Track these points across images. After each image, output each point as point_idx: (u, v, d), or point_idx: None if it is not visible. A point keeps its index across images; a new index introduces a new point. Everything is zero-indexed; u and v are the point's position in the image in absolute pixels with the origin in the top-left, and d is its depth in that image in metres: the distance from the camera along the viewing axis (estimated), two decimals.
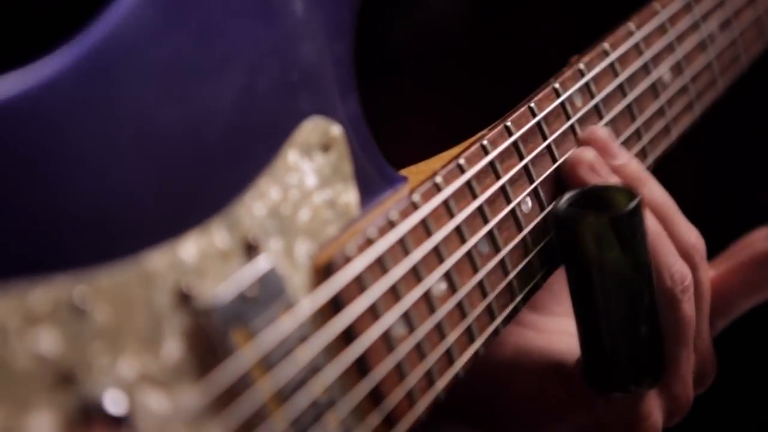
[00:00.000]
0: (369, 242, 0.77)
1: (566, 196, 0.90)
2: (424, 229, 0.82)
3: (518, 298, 0.90)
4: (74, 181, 0.61)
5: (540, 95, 0.96)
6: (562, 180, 0.94)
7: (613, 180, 0.92)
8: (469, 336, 0.84)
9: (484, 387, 0.96)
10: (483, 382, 0.96)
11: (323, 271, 0.74)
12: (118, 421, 0.59)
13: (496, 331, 0.87)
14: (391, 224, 0.79)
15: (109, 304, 0.61)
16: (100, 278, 0.61)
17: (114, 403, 0.59)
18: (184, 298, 0.65)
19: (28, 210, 0.59)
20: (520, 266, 0.91)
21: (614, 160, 0.93)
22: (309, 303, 0.73)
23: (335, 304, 0.74)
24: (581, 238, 0.84)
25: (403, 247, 0.79)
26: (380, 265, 0.77)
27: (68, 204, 0.61)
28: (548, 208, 0.91)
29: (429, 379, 0.80)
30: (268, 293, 0.69)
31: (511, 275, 0.89)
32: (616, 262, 0.85)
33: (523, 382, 0.95)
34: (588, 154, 0.93)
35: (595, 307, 0.88)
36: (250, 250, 0.70)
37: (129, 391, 0.61)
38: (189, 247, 0.66)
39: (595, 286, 0.85)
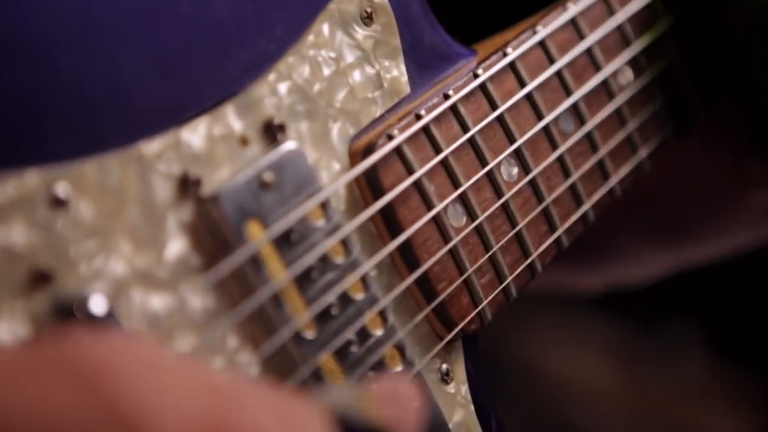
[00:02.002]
0: (418, 119, 0.69)
1: None
2: (488, 103, 0.72)
3: (613, 181, 0.80)
4: (55, 62, 0.56)
5: None
6: None
7: None
8: (548, 224, 0.75)
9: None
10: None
11: (363, 155, 0.66)
12: (100, 320, 0.54)
13: (584, 219, 0.77)
14: (446, 98, 0.70)
15: (97, 195, 0.56)
16: (86, 168, 0.56)
17: (97, 303, 0.54)
18: (189, 187, 0.59)
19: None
20: (614, 143, 0.80)
21: None
22: (343, 189, 0.65)
23: (375, 189, 0.66)
24: None
25: (460, 124, 0.71)
26: (432, 145, 0.69)
27: (47, 89, 0.55)
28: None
29: (496, 273, 0.71)
30: (293, 180, 0.62)
31: (602, 152, 0.79)
32: None
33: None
34: None
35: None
36: (274, 134, 0.63)
37: (120, 291, 0.56)
38: (196, 131, 0.60)
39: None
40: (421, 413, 0.51)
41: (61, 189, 0.54)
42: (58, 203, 0.54)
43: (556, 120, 0.76)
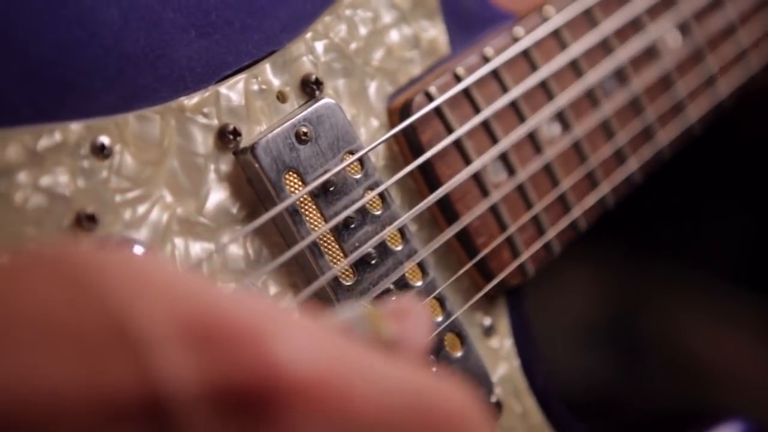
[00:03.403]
0: (456, 79, 0.72)
1: None
2: (528, 63, 0.75)
3: (661, 141, 0.82)
4: (97, 15, 0.60)
5: None
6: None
7: None
8: (590, 182, 0.77)
9: None
10: None
11: (400, 113, 0.70)
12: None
13: (628, 179, 0.80)
14: (485, 60, 0.73)
15: (139, 145, 0.60)
16: (129, 119, 0.60)
17: (139, 250, 0.58)
18: (228, 138, 0.63)
19: (44, 48, 0.58)
20: (662, 106, 0.82)
21: None
22: (381, 145, 0.69)
23: (413, 146, 0.69)
24: None
25: (499, 83, 0.74)
26: (470, 104, 0.72)
27: (89, 42, 0.60)
28: None
29: (537, 228, 0.74)
30: (331, 133, 0.66)
31: (649, 117, 0.81)
32: None
33: None
34: None
35: None
36: (312, 90, 0.67)
37: (163, 238, 0.60)
38: (235, 87, 0.64)
39: None
40: (431, 331, 0.53)
41: (105, 140, 0.59)
42: (103, 152, 0.59)
43: (599, 81, 0.78)
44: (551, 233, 0.74)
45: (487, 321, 0.72)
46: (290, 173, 0.64)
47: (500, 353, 0.73)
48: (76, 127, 0.58)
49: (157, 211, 0.60)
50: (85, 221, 0.58)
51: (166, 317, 0.42)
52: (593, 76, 0.78)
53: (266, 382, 0.41)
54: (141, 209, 0.60)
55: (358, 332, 0.48)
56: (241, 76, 0.65)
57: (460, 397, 0.45)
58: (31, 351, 0.41)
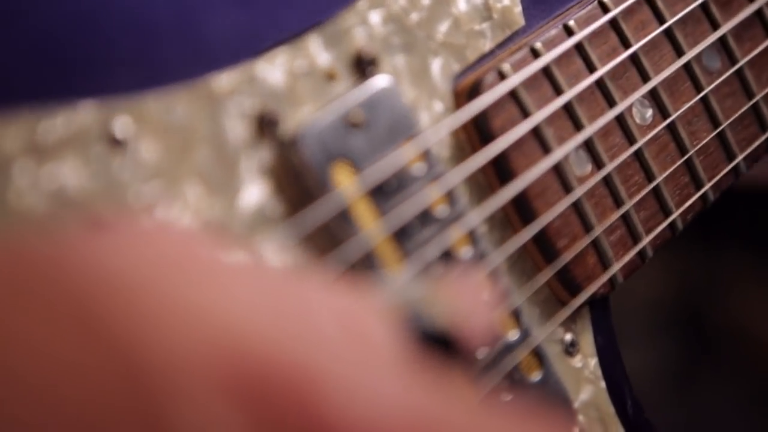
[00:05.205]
0: (534, 55, 0.62)
1: None
2: (618, 38, 0.66)
3: None
4: None
5: None
6: None
7: None
8: (692, 177, 0.68)
9: None
10: None
11: (469, 94, 0.61)
12: None
13: (735, 171, 0.70)
14: (568, 33, 0.64)
15: (161, 135, 0.52)
16: (148, 104, 0.52)
17: None
18: (266, 127, 0.54)
19: (47, 15, 0.50)
20: None
21: None
22: (445, 132, 0.60)
23: (483, 133, 0.60)
24: None
25: (584, 60, 0.64)
26: (550, 84, 0.63)
27: (104, 6, 0.51)
28: None
29: (628, 229, 0.64)
30: (387, 120, 0.57)
31: (756, 93, 0.71)
32: None
33: None
34: None
35: None
36: (364, 68, 0.58)
37: None
38: (274, 64, 0.55)
39: None
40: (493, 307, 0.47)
41: (120, 125, 0.50)
42: (116, 141, 0.50)
43: (698, 56, 0.68)
44: (645, 238, 0.65)
45: (568, 337, 0.63)
46: (340, 165, 0.55)
47: (584, 374, 0.63)
48: (85, 108, 0.50)
49: (181, 211, 0.52)
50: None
51: (194, 367, 0.33)
52: (692, 51, 0.68)
53: None
54: (162, 210, 0.51)
55: (419, 316, 0.43)
56: (282, 52, 0.56)
57: None
58: (33, 414, 0.34)
